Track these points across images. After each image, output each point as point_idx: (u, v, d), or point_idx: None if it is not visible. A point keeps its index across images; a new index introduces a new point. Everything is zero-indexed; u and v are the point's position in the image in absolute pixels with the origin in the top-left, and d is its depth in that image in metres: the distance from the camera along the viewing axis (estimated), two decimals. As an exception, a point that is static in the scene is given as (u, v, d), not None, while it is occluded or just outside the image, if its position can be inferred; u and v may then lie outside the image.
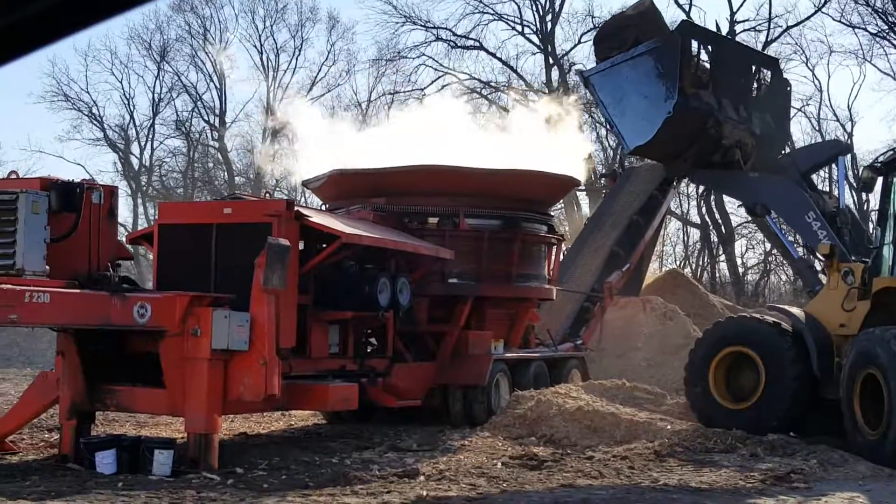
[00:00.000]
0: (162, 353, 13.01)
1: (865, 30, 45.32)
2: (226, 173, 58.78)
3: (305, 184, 20.43)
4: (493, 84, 50.17)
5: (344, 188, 19.04)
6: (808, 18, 46.25)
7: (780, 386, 15.87)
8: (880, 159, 16.16)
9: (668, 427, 15.86)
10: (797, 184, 17.36)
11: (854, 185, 38.54)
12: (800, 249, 24.39)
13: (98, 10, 3.14)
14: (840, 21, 45.78)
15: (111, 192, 14.27)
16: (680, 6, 44.43)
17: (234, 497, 11.24)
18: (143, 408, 14.40)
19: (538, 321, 20.96)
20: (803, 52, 49.12)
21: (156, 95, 59.83)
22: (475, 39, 50.16)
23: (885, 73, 46.90)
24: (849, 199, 39.93)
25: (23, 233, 12.36)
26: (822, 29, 66.35)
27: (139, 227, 49.46)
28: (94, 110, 60.16)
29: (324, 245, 15.21)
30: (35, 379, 15.42)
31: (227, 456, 13.59)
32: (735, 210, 42.63)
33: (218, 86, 59.06)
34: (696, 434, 15.32)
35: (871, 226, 16.68)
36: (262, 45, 59.05)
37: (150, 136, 60.31)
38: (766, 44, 45.25)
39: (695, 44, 17.44)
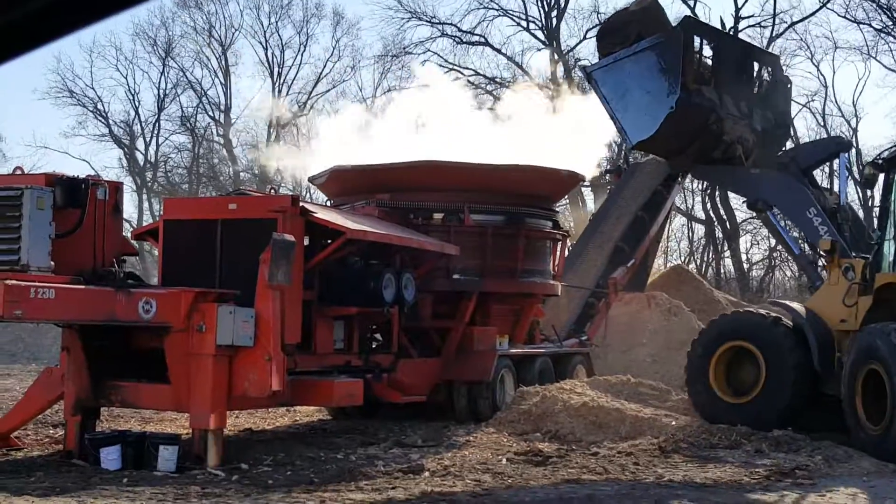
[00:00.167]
0: (167, 349, 13.02)
1: (870, 25, 45.32)
2: (231, 169, 58.82)
3: (311, 180, 20.44)
4: (498, 80, 50.12)
5: (345, 184, 19.05)
6: (812, 14, 46.26)
7: (781, 380, 15.91)
8: (882, 155, 16.19)
9: (673, 423, 15.86)
10: (798, 180, 17.37)
11: (858, 180, 38.53)
12: (804, 246, 24.36)
13: (98, 9, 3.14)
14: (845, 17, 45.80)
15: (116, 187, 14.27)
16: (685, 2, 44.44)
17: (239, 493, 11.25)
18: (148, 404, 14.41)
19: (543, 317, 20.96)
20: (808, 47, 49.14)
21: (161, 91, 60.00)
22: (480, 35, 50.18)
23: (889, 69, 46.90)
24: (853, 194, 39.99)
25: (28, 229, 12.36)
26: (828, 24, 66.53)
27: (144, 223, 49.49)
28: (100, 106, 60.32)
29: (329, 241, 15.21)
30: (40, 375, 15.43)
31: (231, 452, 13.60)
32: (740, 206, 42.61)
33: (223, 81, 59.13)
34: (700, 430, 15.32)
35: (875, 222, 16.70)
36: (267, 42, 59.15)
37: (156, 131, 60.46)
38: (771, 39, 45.24)
39: (697, 40, 17.44)
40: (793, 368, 15.86)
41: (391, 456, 14.02)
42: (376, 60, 55.96)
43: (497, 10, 49.30)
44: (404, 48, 51.28)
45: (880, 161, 16.02)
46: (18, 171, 13.58)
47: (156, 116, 60.17)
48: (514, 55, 51.20)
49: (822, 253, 16.39)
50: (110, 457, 12.68)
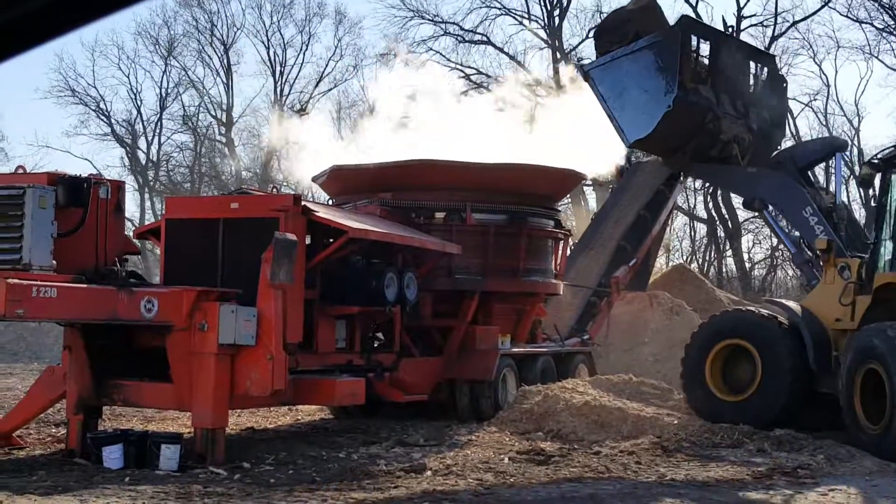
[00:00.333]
0: (169, 348, 13.02)
1: (872, 25, 45.27)
2: (232, 168, 58.87)
3: (313, 179, 20.46)
4: (499, 79, 50.07)
5: (346, 183, 19.07)
6: (814, 13, 46.28)
7: (777, 378, 15.99)
8: (879, 155, 16.27)
9: (675, 422, 15.87)
10: (795, 179, 17.41)
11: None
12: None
13: (97, 8, 3.13)
14: (847, 16, 45.77)
15: (118, 186, 14.28)
16: (687, 1, 44.42)
17: (241, 492, 11.24)
18: (150, 402, 14.42)
19: (545, 316, 20.96)
20: (811, 46, 49.12)
21: (163, 90, 60.06)
22: (482, 34, 50.15)
23: (891, 69, 46.90)
24: (855, 194, 39.95)
25: (30, 228, 12.36)
26: (831, 23, 66.48)
27: (146, 222, 49.59)
28: (102, 105, 60.44)
29: (331, 240, 15.20)
30: (42, 374, 15.44)
31: (233, 451, 13.61)
32: (742, 205, 42.60)
33: (225, 80, 59.17)
34: (702, 429, 15.32)
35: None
36: (269, 41, 59.18)
37: (158, 130, 60.52)
38: (773, 39, 45.26)
39: (694, 39, 17.45)
40: (789, 367, 15.94)
41: (393, 455, 14.02)
42: (378, 59, 55.96)
43: (500, 8, 49.31)
44: (407, 47, 51.24)
45: (877, 161, 16.12)
46: (21, 171, 13.58)
47: (158, 115, 60.33)
48: (516, 54, 51.22)
49: (818, 252, 16.43)
50: (112, 456, 12.68)
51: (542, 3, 49.17)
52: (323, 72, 59.23)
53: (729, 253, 47.00)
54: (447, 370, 18.01)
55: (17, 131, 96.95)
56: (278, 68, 59.14)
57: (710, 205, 46.07)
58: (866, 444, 14.26)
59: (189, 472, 12.34)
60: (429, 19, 50.58)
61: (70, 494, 10.81)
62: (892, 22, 44.47)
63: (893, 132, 70.89)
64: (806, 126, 50.87)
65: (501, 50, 50.42)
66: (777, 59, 22.21)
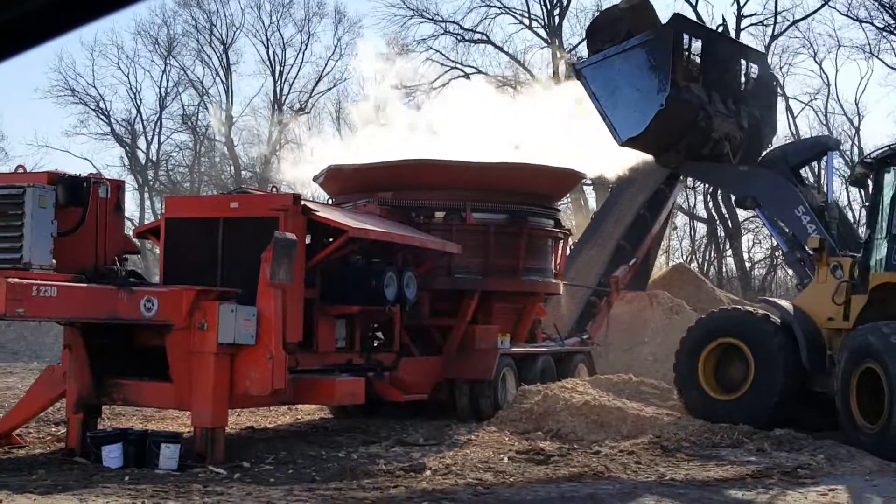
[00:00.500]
0: (168, 347, 13.02)
1: (872, 24, 45.24)
2: (232, 168, 58.85)
3: (314, 179, 20.48)
4: (499, 78, 50.05)
5: (345, 183, 19.08)
6: (814, 13, 46.24)
7: (770, 377, 16.07)
8: (872, 155, 16.34)
9: (675, 422, 15.86)
10: (786, 178, 17.44)
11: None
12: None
13: (96, 8, 3.13)
14: (847, 15, 45.74)
15: (118, 186, 14.28)
16: (688, 0, 44.41)
17: (241, 491, 11.24)
18: (150, 402, 14.41)
19: (545, 315, 20.96)
20: (811, 45, 49.09)
21: (162, 90, 60.05)
22: (482, 33, 50.12)
23: (892, 68, 46.85)
24: (855, 193, 39.92)
25: (30, 227, 12.36)
26: (832, 22, 66.43)
27: (146, 222, 49.58)
28: (101, 105, 60.40)
29: (330, 239, 15.20)
30: (42, 373, 15.45)
31: (233, 450, 13.61)
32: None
33: (224, 80, 59.16)
34: (702, 429, 15.32)
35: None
36: (268, 40, 59.13)
37: (157, 130, 60.50)
38: (773, 38, 45.24)
39: (686, 37, 17.46)
40: (781, 366, 16.02)
41: (393, 454, 14.02)
42: (378, 59, 55.88)
43: (499, 7, 49.26)
44: (406, 46, 51.21)
45: (870, 161, 16.20)
46: (20, 170, 13.58)
47: (157, 115, 60.30)
48: (515, 53, 51.18)
49: (810, 251, 16.49)
50: (112, 455, 12.68)
51: (542, 3, 49.17)
52: (322, 71, 59.23)
53: (729, 252, 47.02)
54: (447, 370, 18.01)
55: (17, 131, 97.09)
56: (278, 68, 59.13)
57: (710, 204, 46.06)
58: (864, 444, 14.29)
59: (189, 472, 12.34)
60: (429, 18, 50.56)
61: (70, 493, 10.81)
62: (893, 21, 44.45)
63: (894, 131, 70.96)
64: (806, 125, 50.88)
65: (501, 49, 50.42)
66: (768, 56, 22.23)
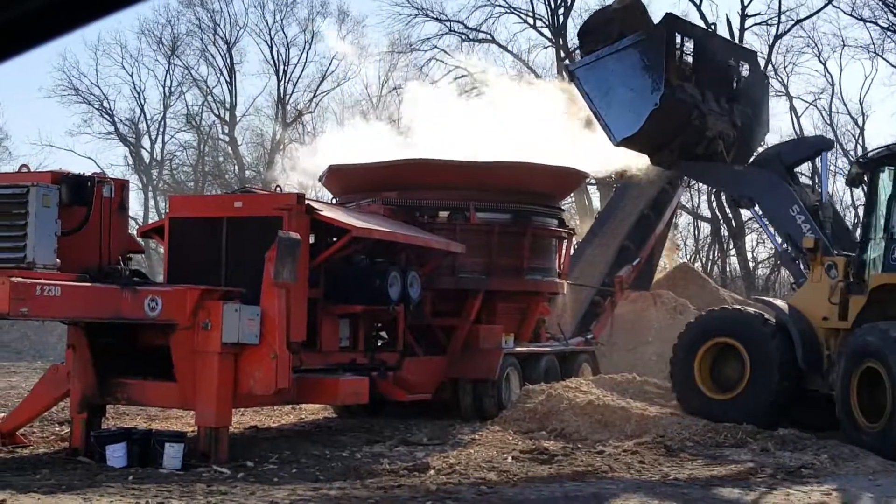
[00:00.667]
0: (172, 347, 13.02)
1: (876, 24, 45.15)
2: (236, 167, 58.88)
3: (319, 179, 20.49)
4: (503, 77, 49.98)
5: (348, 182, 19.08)
6: (818, 12, 46.09)
7: (765, 376, 16.12)
8: (868, 155, 16.38)
9: (679, 421, 15.85)
10: (781, 177, 17.47)
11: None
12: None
13: (94, 8, 3.13)
14: (851, 15, 45.65)
15: (122, 185, 14.29)
16: (692, 0, 44.37)
17: (245, 490, 11.24)
18: (154, 401, 14.42)
19: (549, 315, 20.95)
20: (816, 45, 49.02)
21: (166, 89, 60.10)
22: (486, 32, 50.07)
23: (896, 68, 46.76)
24: (858, 192, 39.84)
25: (34, 226, 12.37)
26: (837, 22, 66.32)
27: (150, 221, 49.55)
28: (105, 104, 60.45)
29: (334, 239, 15.21)
30: (46, 372, 15.45)
31: (237, 449, 13.61)
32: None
33: (228, 79, 59.19)
34: (706, 428, 15.31)
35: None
36: (272, 40, 59.14)
37: (161, 129, 60.55)
38: (777, 37, 45.17)
39: (678, 37, 17.46)
40: (777, 365, 16.09)
41: (396, 454, 14.03)
42: (382, 57, 55.93)
43: (504, 6, 49.20)
44: (410, 45, 51.19)
45: (865, 161, 16.27)
46: (24, 169, 13.60)
47: (161, 114, 60.36)
48: (520, 53, 51.13)
49: (804, 250, 16.53)
50: (116, 454, 12.69)
51: (547, 2, 49.10)
52: (326, 71, 59.24)
53: (733, 252, 46.95)
54: (451, 369, 18.01)
55: (21, 130, 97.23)
56: (281, 67, 59.13)
57: (714, 204, 46.01)
58: (865, 443, 14.31)
59: (192, 471, 12.35)
60: (433, 17, 50.50)
61: (74, 493, 10.82)
62: (897, 21, 44.37)
63: (897, 131, 70.74)
64: (810, 125, 50.79)
65: (505, 48, 50.37)
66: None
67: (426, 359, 17.76)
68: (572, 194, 34.34)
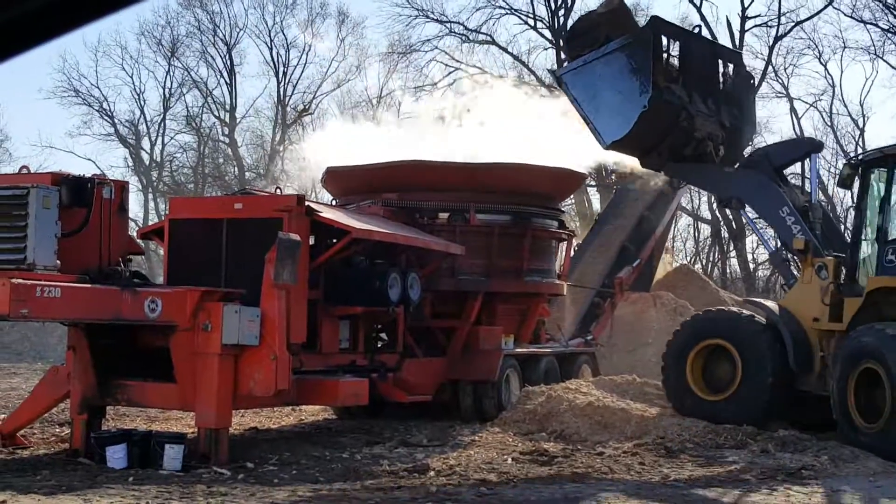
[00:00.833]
0: (172, 348, 13.03)
1: (877, 25, 45.14)
2: (236, 168, 58.89)
3: (322, 181, 20.52)
4: (505, 79, 49.96)
5: (347, 184, 19.09)
6: (817, 14, 46.07)
7: (757, 378, 16.16)
8: (860, 157, 16.43)
9: (679, 423, 15.85)
10: (771, 179, 17.50)
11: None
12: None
13: (94, 9, 3.13)
14: (851, 17, 45.65)
15: (122, 187, 14.29)
16: (692, 1, 44.37)
17: (245, 492, 11.25)
18: (154, 402, 14.42)
19: (548, 316, 20.96)
20: (816, 47, 49.02)
21: (166, 91, 60.12)
22: (486, 34, 50.06)
23: (896, 70, 46.75)
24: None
25: (34, 227, 12.37)
26: (838, 23, 66.23)
27: (150, 222, 49.57)
28: (105, 106, 60.48)
29: (334, 240, 15.22)
30: (46, 373, 15.46)
31: (237, 451, 13.61)
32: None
33: (228, 81, 59.21)
34: (706, 430, 15.31)
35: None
36: (272, 41, 59.18)
37: (161, 131, 60.58)
38: (777, 39, 45.16)
39: (664, 39, 17.49)
40: (768, 366, 16.13)
41: (396, 455, 14.03)
42: (382, 58, 55.93)
43: (504, 8, 49.18)
44: (411, 46, 51.19)
45: (855, 162, 16.33)
46: (24, 171, 13.60)
47: (161, 116, 60.38)
48: (520, 54, 51.13)
49: (794, 252, 16.58)
50: (116, 455, 12.69)
51: (547, 3, 49.08)
52: (326, 72, 59.28)
53: (733, 253, 46.97)
54: (451, 371, 18.01)
55: (21, 131, 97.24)
56: (281, 69, 59.16)
57: (714, 205, 45.99)
58: (864, 444, 14.32)
59: (192, 472, 12.35)
60: (434, 18, 50.48)
61: (74, 494, 10.82)
62: (897, 23, 44.36)
63: (897, 133, 70.76)
64: (811, 126, 50.82)
65: (505, 50, 50.35)
66: (743, 56, 22.28)
67: (426, 360, 17.76)
68: (572, 196, 34.38)
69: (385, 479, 12.09)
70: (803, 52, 49.36)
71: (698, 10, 44.13)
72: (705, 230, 50.93)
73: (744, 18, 44.10)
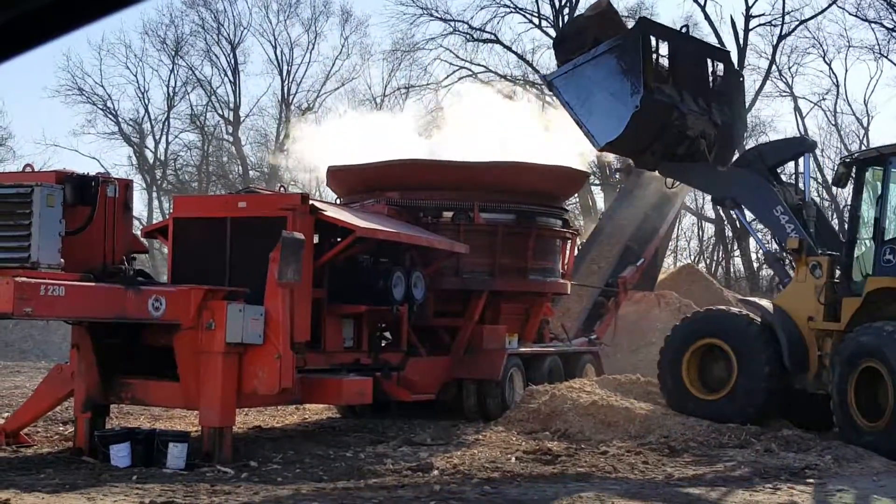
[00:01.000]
0: (176, 347, 13.03)
1: (881, 25, 45.12)
2: (240, 167, 58.91)
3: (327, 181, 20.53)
4: (508, 78, 49.96)
5: (351, 183, 19.09)
6: (821, 12, 46.07)
7: (752, 377, 16.20)
8: (855, 155, 16.44)
9: (683, 422, 15.85)
10: (764, 178, 17.51)
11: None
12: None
13: (93, 9, 3.12)
14: (856, 15, 45.64)
15: (126, 185, 14.28)
16: (696, 1, 44.36)
17: (248, 490, 11.25)
18: (158, 401, 14.41)
19: (552, 316, 20.96)
20: (820, 45, 48.99)
21: (170, 89, 60.14)
22: (491, 32, 50.02)
23: (900, 69, 46.71)
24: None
25: (38, 226, 12.37)
26: (842, 22, 66.24)
27: (154, 221, 49.63)
28: (109, 104, 60.48)
29: (338, 239, 15.22)
30: (50, 372, 15.46)
31: (241, 449, 13.62)
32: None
33: (232, 80, 59.24)
34: (710, 429, 15.31)
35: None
36: (275, 40, 59.20)
37: (165, 130, 60.61)
38: (781, 38, 45.13)
39: (653, 39, 17.51)
40: (764, 365, 16.14)
41: (400, 454, 14.02)
42: (386, 57, 55.93)
43: (509, 6, 49.13)
44: (414, 45, 51.18)
45: (851, 160, 16.33)
46: (29, 169, 13.61)
47: (165, 114, 60.40)
48: (524, 53, 51.09)
49: (789, 251, 16.60)
50: (120, 454, 12.69)
51: (552, 2, 49.06)
52: (330, 71, 59.30)
53: (737, 253, 46.95)
54: (454, 370, 18.01)
55: (25, 130, 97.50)
56: (285, 67, 59.17)
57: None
58: (865, 444, 14.32)
59: (196, 471, 12.35)
60: (438, 17, 50.45)
61: (78, 492, 10.83)
62: (901, 22, 44.33)
63: (902, 132, 70.68)
64: (815, 125, 50.83)
65: (510, 49, 50.31)
66: (731, 54, 22.29)
67: (430, 359, 17.76)
68: (576, 195, 34.35)
69: (389, 477, 12.09)
70: (808, 51, 49.38)
71: (702, 9, 44.16)
72: (709, 229, 50.94)
73: (748, 17, 44.08)
